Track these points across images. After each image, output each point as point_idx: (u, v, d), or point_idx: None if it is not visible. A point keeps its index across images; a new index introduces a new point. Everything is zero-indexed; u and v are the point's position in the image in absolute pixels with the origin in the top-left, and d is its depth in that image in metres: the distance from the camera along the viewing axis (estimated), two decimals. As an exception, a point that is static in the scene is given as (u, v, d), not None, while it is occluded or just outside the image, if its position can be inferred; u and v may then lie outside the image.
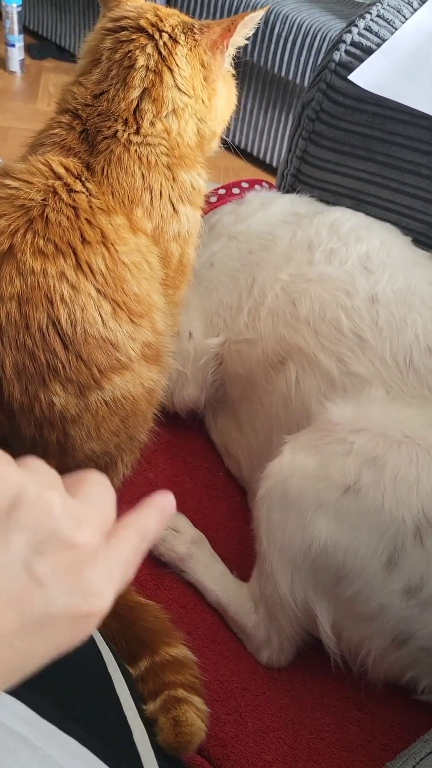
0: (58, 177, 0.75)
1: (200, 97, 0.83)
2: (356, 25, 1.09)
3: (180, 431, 1.05)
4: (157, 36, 0.80)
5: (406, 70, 1.04)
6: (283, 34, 2.26)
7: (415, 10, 1.10)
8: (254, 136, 2.60)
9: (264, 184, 1.14)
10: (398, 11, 1.10)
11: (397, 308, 0.87)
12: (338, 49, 1.09)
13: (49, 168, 0.76)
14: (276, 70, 2.34)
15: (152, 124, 0.80)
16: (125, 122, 0.79)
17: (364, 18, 1.09)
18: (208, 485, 1.01)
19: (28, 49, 3.16)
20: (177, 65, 0.80)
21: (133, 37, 0.80)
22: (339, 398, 0.83)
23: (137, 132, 0.80)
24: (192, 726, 0.66)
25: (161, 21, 0.81)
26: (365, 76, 1.04)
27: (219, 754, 0.74)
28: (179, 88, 0.81)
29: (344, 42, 1.08)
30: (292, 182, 1.19)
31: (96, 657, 0.63)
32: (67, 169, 0.76)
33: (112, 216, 0.77)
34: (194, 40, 0.82)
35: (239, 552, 0.92)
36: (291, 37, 2.25)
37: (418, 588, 0.71)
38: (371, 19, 1.09)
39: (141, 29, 0.80)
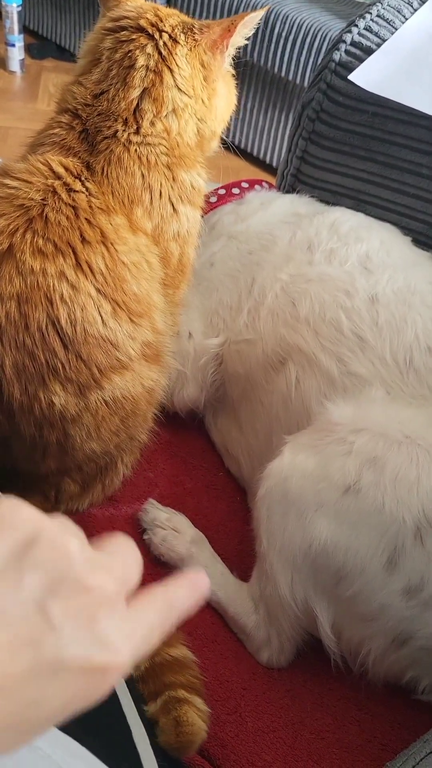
0: (58, 177, 0.75)
1: (200, 97, 0.83)
2: (356, 25, 1.09)
3: (180, 431, 1.05)
4: (157, 36, 0.80)
5: (407, 70, 1.04)
6: (283, 34, 2.25)
7: (415, 10, 1.10)
8: (254, 136, 2.60)
9: (264, 184, 1.14)
10: (398, 11, 1.10)
11: (397, 308, 0.86)
12: (338, 49, 1.09)
13: (49, 168, 0.76)
14: (276, 70, 2.34)
15: (152, 123, 0.80)
16: (125, 122, 0.79)
17: (364, 18, 1.09)
18: (208, 485, 1.01)
19: (28, 49, 3.15)
20: (177, 65, 0.80)
21: (133, 37, 0.80)
22: (339, 398, 0.83)
23: (137, 132, 0.80)
24: (193, 726, 0.67)
25: (161, 21, 0.81)
26: (365, 76, 1.04)
27: (219, 754, 0.74)
28: (179, 88, 0.81)
29: (344, 42, 1.08)
30: (292, 182, 1.19)
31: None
32: (66, 169, 0.76)
33: (111, 216, 0.77)
34: (194, 40, 0.82)
35: (239, 552, 0.92)
36: (291, 37, 2.25)
37: (418, 588, 0.71)
38: (371, 19, 1.09)
39: (141, 29, 0.80)
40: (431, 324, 0.86)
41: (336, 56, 1.08)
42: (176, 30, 0.81)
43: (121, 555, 0.35)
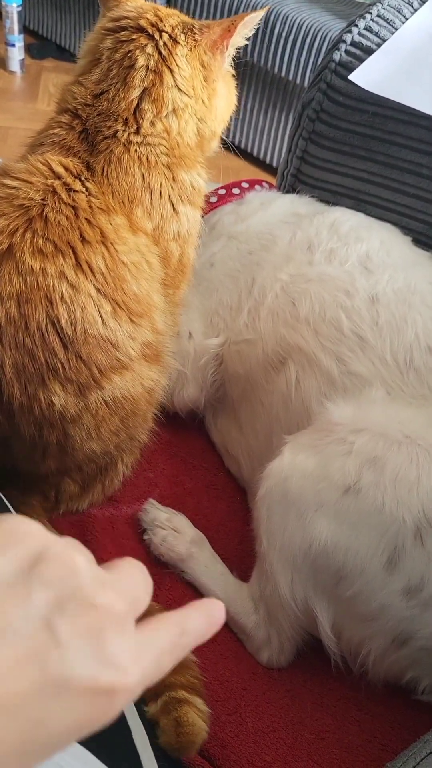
0: (58, 176, 0.75)
1: (200, 97, 0.83)
2: (356, 25, 1.09)
3: (180, 431, 1.05)
4: (157, 36, 0.80)
5: (407, 70, 1.04)
6: (284, 34, 2.25)
7: (416, 10, 1.10)
8: (254, 136, 2.60)
9: (264, 184, 1.14)
10: (398, 11, 1.10)
11: (398, 308, 0.86)
12: (338, 49, 1.08)
13: (49, 168, 0.76)
14: (276, 70, 2.34)
15: (152, 123, 0.80)
16: (125, 122, 0.79)
17: (364, 18, 1.09)
18: (208, 485, 1.01)
19: (28, 49, 3.15)
20: (177, 65, 0.80)
21: (133, 37, 0.80)
22: (339, 398, 0.83)
23: (137, 132, 0.80)
24: (193, 726, 0.67)
25: (161, 21, 0.81)
26: (365, 76, 1.04)
27: (219, 754, 0.74)
28: (179, 88, 0.81)
29: (344, 42, 1.08)
30: (292, 182, 1.19)
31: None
32: (66, 169, 0.76)
33: (111, 216, 0.77)
34: (194, 40, 0.82)
35: (239, 552, 0.92)
36: (291, 37, 2.25)
37: (418, 588, 0.71)
38: (371, 19, 1.09)
39: (141, 29, 0.80)
40: (431, 324, 0.86)
41: (336, 56, 1.08)
42: (176, 30, 0.81)
43: (130, 577, 0.34)
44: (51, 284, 0.70)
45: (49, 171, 0.76)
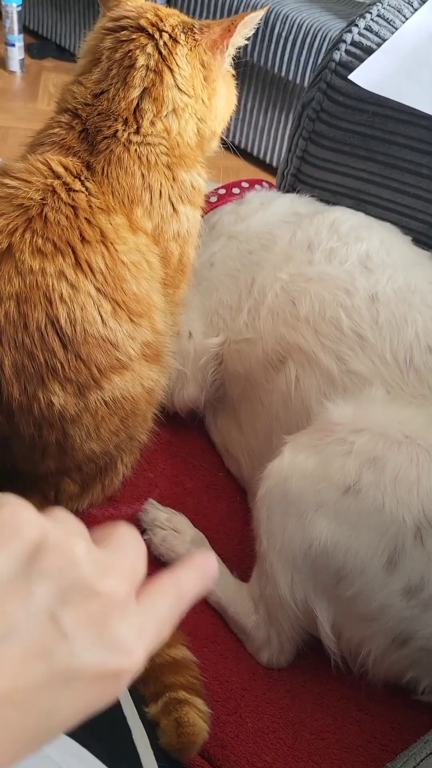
0: (57, 176, 0.75)
1: (200, 96, 0.83)
2: (356, 25, 1.09)
3: (180, 431, 1.05)
4: (157, 36, 0.80)
5: (407, 69, 1.04)
6: (283, 34, 2.25)
7: (416, 10, 1.10)
8: (254, 136, 2.60)
9: (264, 183, 1.14)
10: (398, 11, 1.10)
11: (398, 307, 0.86)
12: (338, 49, 1.08)
13: (48, 167, 0.76)
14: (276, 70, 2.34)
15: (152, 123, 0.80)
16: (125, 122, 0.79)
17: (364, 18, 1.09)
18: (208, 485, 1.01)
19: (28, 49, 3.15)
20: (177, 65, 0.80)
21: (134, 36, 0.80)
22: (339, 397, 0.83)
23: (137, 131, 0.80)
24: (194, 727, 0.66)
25: (161, 21, 0.81)
26: (365, 76, 1.04)
27: (219, 754, 0.74)
28: (179, 88, 0.81)
29: (344, 42, 1.08)
30: (292, 182, 1.19)
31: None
32: (66, 169, 0.76)
33: (111, 215, 0.77)
34: (194, 40, 0.82)
35: (239, 552, 0.92)
36: (291, 37, 2.25)
37: (418, 588, 0.71)
38: (371, 19, 1.09)
39: (141, 29, 0.80)
40: (431, 323, 0.86)
41: (336, 56, 1.08)
42: (176, 30, 0.81)
43: (127, 550, 0.34)
44: (50, 284, 0.70)
45: (48, 171, 0.75)
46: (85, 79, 0.81)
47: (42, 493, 0.83)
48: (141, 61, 0.79)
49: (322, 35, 2.19)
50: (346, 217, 1.00)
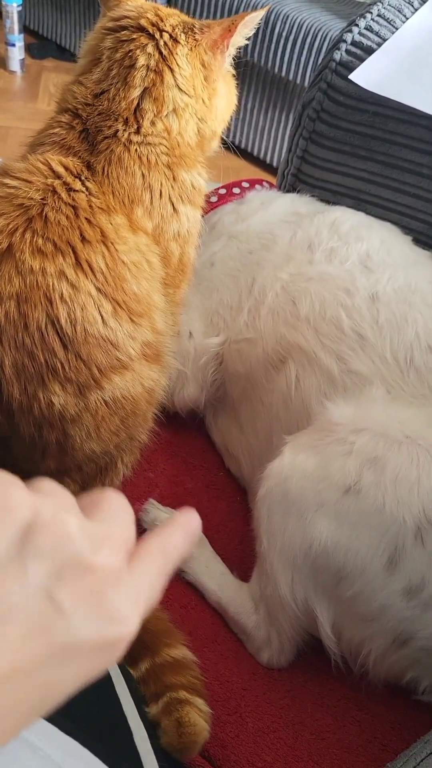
0: (58, 176, 0.75)
1: (201, 96, 0.83)
2: (357, 25, 1.09)
3: (180, 431, 1.05)
4: (157, 35, 0.80)
5: (407, 69, 1.04)
6: (284, 34, 2.25)
7: (416, 10, 1.10)
8: (254, 136, 2.60)
9: (264, 183, 1.14)
10: (399, 11, 1.10)
11: (398, 307, 0.86)
12: (339, 49, 1.08)
13: (49, 167, 0.76)
14: (276, 69, 2.34)
15: (153, 123, 0.80)
16: (126, 122, 0.79)
17: (364, 17, 1.09)
18: (208, 485, 1.01)
19: (29, 49, 3.16)
20: (177, 65, 0.80)
21: (134, 36, 0.80)
22: (339, 397, 0.83)
23: (137, 131, 0.79)
24: (195, 726, 0.67)
25: (162, 21, 0.81)
26: (366, 76, 1.04)
27: (219, 754, 0.74)
28: (180, 88, 0.81)
29: (345, 41, 1.08)
30: (292, 182, 1.19)
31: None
32: (66, 168, 0.76)
33: (112, 215, 0.77)
34: (195, 39, 0.81)
35: (239, 552, 0.92)
36: (291, 37, 2.25)
37: (418, 588, 0.71)
38: (372, 19, 1.09)
39: (141, 29, 0.80)
40: (432, 323, 0.86)
41: (337, 56, 1.08)
42: (177, 30, 0.81)
43: (116, 518, 0.34)
44: (51, 284, 0.70)
45: (49, 170, 0.75)
46: (86, 79, 0.81)
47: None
48: (141, 61, 0.79)
49: (322, 35, 2.19)
50: (346, 217, 1.00)
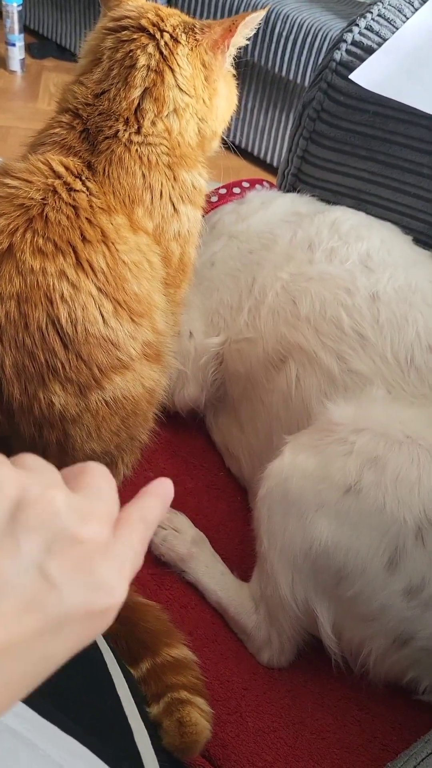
0: (58, 176, 0.75)
1: (201, 96, 0.83)
2: (357, 25, 1.09)
3: (180, 431, 1.05)
4: (158, 36, 0.80)
5: (408, 69, 1.04)
6: (284, 34, 2.25)
7: (417, 10, 1.10)
8: (255, 135, 2.60)
9: (265, 183, 1.14)
10: (399, 10, 1.10)
11: (398, 306, 0.86)
12: (339, 49, 1.08)
13: (49, 167, 0.76)
14: (276, 69, 2.34)
15: (153, 123, 0.80)
16: (126, 122, 0.79)
17: (365, 17, 1.09)
18: (208, 485, 1.01)
19: (29, 49, 3.15)
20: (178, 65, 0.80)
21: (135, 36, 0.80)
22: (340, 397, 0.83)
23: (138, 131, 0.79)
24: (197, 726, 0.67)
25: (162, 21, 0.81)
26: (366, 76, 1.04)
27: (220, 754, 0.74)
28: (180, 88, 0.81)
29: (345, 41, 1.08)
30: (292, 182, 1.19)
31: (97, 657, 0.63)
32: (67, 168, 0.76)
33: (112, 215, 0.77)
34: (195, 40, 0.81)
35: (240, 552, 0.92)
36: (292, 37, 2.25)
37: (419, 588, 0.71)
38: (372, 19, 1.09)
39: (142, 29, 0.80)
40: (432, 323, 0.86)
41: (337, 56, 1.08)
42: (177, 30, 0.81)
43: (100, 491, 0.35)
44: (51, 283, 0.70)
45: (49, 170, 0.75)
46: (86, 78, 0.81)
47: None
48: (142, 61, 0.79)
49: (322, 35, 2.19)
50: (346, 217, 1.00)
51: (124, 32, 0.81)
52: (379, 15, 1.09)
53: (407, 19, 1.09)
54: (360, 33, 1.08)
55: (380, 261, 0.92)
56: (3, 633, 0.28)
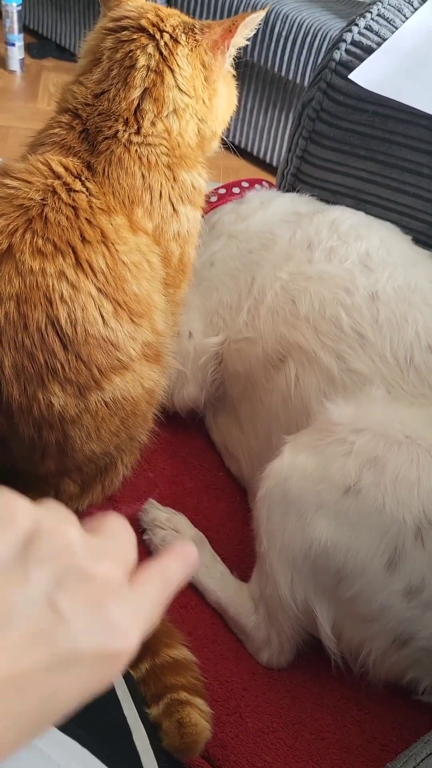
0: (58, 176, 0.75)
1: (201, 97, 0.83)
2: (357, 24, 1.09)
3: (180, 431, 1.05)
4: (158, 36, 0.80)
5: (407, 69, 1.04)
6: (284, 34, 2.25)
7: (416, 9, 1.10)
8: (254, 135, 2.60)
9: (264, 183, 1.14)
10: (399, 10, 1.10)
11: (398, 306, 0.86)
12: (339, 49, 1.08)
13: (49, 167, 0.76)
14: (276, 69, 2.34)
15: (153, 124, 0.80)
16: (126, 122, 0.79)
17: (364, 17, 1.09)
18: (208, 485, 1.01)
19: (28, 49, 3.15)
20: (178, 65, 0.80)
21: (134, 36, 0.80)
22: (339, 397, 0.83)
23: (138, 132, 0.79)
24: (196, 726, 0.67)
25: (162, 21, 0.81)
26: (366, 75, 1.04)
27: (219, 754, 0.74)
28: (180, 89, 0.80)
29: (345, 41, 1.08)
30: (292, 181, 1.19)
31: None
32: (66, 169, 0.76)
33: (112, 216, 0.77)
34: (195, 40, 0.81)
35: (239, 552, 0.92)
36: (291, 37, 2.24)
37: (419, 589, 0.71)
38: (372, 18, 1.09)
39: (142, 29, 0.80)
40: (432, 322, 0.86)
41: (336, 55, 1.08)
42: (177, 30, 0.81)
43: (118, 537, 0.35)
44: (51, 284, 0.70)
45: (49, 171, 0.75)
46: (86, 79, 0.81)
47: (42, 493, 0.83)
48: (142, 61, 0.79)
49: (322, 35, 2.19)
50: (345, 217, 1.00)
51: (123, 32, 0.80)
52: (378, 15, 1.09)
53: (407, 18, 1.09)
54: (359, 33, 1.08)
55: (379, 260, 0.92)
56: (10, 664, 0.28)
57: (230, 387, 1.00)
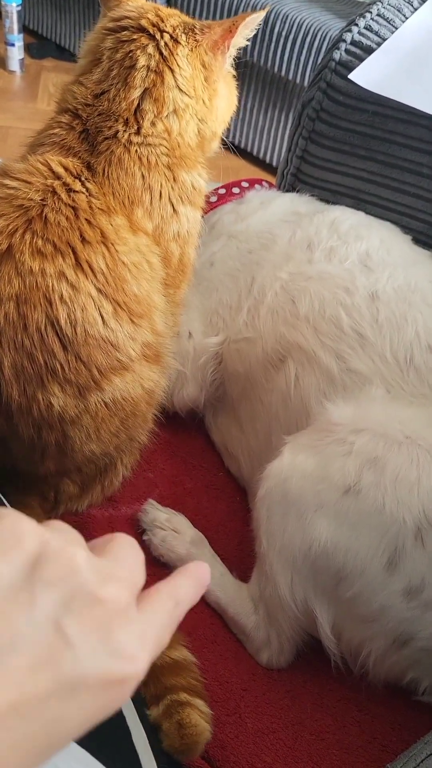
0: (57, 177, 0.75)
1: (201, 97, 0.83)
2: (356, 24, 1.09)
3: (180, 431, 1.05)
4: (158, 36, 0.80)
5: (407, 69, 1.03)
6: (284, 34, 2.25)
7: (416, 9, 1.10)
8: (254, 135, 2.60)
9: (264, 183, 1.14)
10: (398, 10, 1.10)
11: (398, 306, 0.86)
12: (338, 48, 1.08)
13: (48, 168, 0.76)
14: (276, 69, 2.34)
15: (153, 124, 0.80)
16: (126, 122, 0.79)
17: (364, 17, 1.09)
18: (207, 485, 1.01)
19: (28, 49, 3.15)
20: (178, 65, 0.80)
21: (134, 37, 0.80)
22: (339, 397, 0.83)
23: (138, 132, 0.79)
24: (196, 727, 0.67)
25: (162, 21, 0.81)
26: (365, 75, 1.04)
27: (219, 755, 0.74)
28: (180, 89, 0.80)
29: (344, 41, 1.08)
30: (292, 181, 1.19)
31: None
32: (66, 169, 0.76)
33: (112, 216, 0.77)
34: (195, 40, 0.81)
35: (239, 552, 0.92)
36: (291, 37, 2.24)
37: (418, 589, 0.71)
38: (371, 18, 1.09)
39: (142, 29, 0.80)
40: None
41: (336, 55, 1.08)
42: (177, 30, 0.81)
43: (126, 559, 0.34)
44: (50, 285, 0.70)
45: (48, 171, 0.75)
46: (86, 79, 0.81)
47: (41, 493, 0.83)
48: (142, 61, 0.79)
49: (322, 35, 2.18)
50: (345, 216, 1.00)
51: (123, 33, 0.80)
52: (378, 15, 1.09)
53: (406, 18, 1.09)
54: (359, 33, 1.08)
55: (379, 260, 0.91)
56: (14, 690, 0.27)
57: (230, 387, 1.00)
